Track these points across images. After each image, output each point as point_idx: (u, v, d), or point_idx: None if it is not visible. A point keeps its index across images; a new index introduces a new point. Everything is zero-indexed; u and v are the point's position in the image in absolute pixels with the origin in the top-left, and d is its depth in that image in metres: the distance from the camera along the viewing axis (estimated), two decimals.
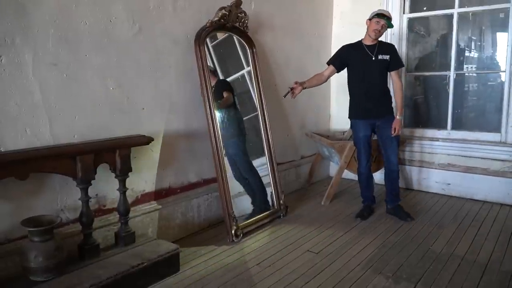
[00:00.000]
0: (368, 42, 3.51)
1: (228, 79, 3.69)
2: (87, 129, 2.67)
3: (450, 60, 4.40)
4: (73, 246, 2.58)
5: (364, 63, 3.50)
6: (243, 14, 3.53)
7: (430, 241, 3.23)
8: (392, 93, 3.70)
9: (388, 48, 3.59)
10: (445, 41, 4.62)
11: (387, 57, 3.50)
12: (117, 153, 2.63)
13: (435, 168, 4.45)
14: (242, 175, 3.52)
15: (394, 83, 3.63)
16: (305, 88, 3.53)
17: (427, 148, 4.49)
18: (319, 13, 4.91)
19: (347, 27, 4.91)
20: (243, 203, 3.59)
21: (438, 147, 4.41)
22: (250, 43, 3.72)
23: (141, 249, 2.71)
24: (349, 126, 4.64)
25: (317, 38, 4.90)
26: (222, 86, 3.48)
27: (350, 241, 3.24)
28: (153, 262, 2.58)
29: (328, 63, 3.69)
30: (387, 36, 4.52)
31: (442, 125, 4.51)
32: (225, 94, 3.45)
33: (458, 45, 4.38)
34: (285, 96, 3.51)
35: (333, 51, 5.02)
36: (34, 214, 2.40)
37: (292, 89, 3.46)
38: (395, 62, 3.58)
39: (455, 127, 4.43)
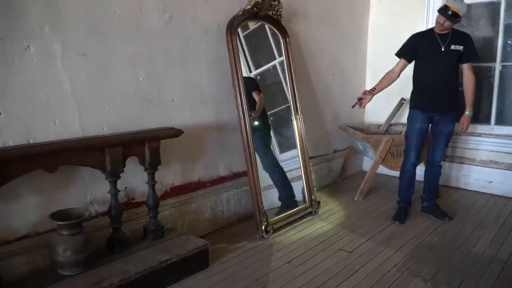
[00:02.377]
0: (440, 31, 3.25)
1: (259, 70, 3.57)
2: (116, 120, 2.62)
3: (496, 51, 4.13)
4: (102, 239, 2.55)
5: (435, 53, 3.25)
6: (276, 2, 3.39)
7: (471, 242, 3.04)
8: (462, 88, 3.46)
9: (463, 37, 3.30)
10: (489, 30, 4.33)
11: (460, 47, 3.24)
12: (146, 146, 2.57)
13: (476, 165, 4.21)
14: (264, 169, 3.38)
15: (466, 76, 3.36)
16: (375, 94, 3.36)
17: (469, 143, 4.25)
18: (355, 1, 4.70)
19: (385, 16, 4.68)
20: (272, 196, 3.50)
21: (481, 142, 4.17)
22: (283, 32, 3.58)
23: (170, 244, 2.66)
24: (384, 119, 4.52)
25: (353, 28, 4.71)
26: (251, 85, 3.33)
27: (384, 241, 3.10)
28: (182, 258, 2.53)
29: (398, 55, 3.42)
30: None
31: (485, 120, 4.25)
32: (256, 97, 3.31)
33: (504, 34, 4.09)
34: (353, 107, 3.38)
35: (370, 40, 4.90)
36: (63, 207, 2.38)
37: (360, 99, 3.31)
38: (469, 53, 3.30)
39: (499, 122, 4.17)
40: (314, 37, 4.13)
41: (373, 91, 3.33)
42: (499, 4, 4.06)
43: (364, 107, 3.40)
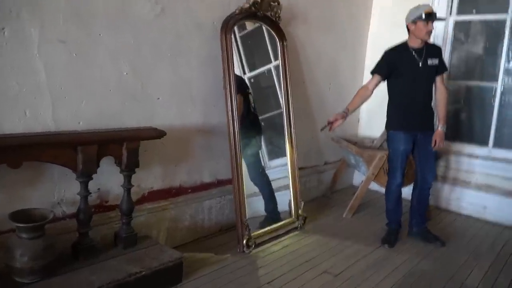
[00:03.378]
0: (416, 44, 3.08)
1: (253, 72, 3.38)
2: (95, 116, 2.41)
3: (498, 71, 3.99)
4: (68, 243, 2.33)
5: (412, 69, 3.08)
6: (276, 3, 3.21)
7: (464, 272, 2.87)
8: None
9: (436, 50, 3.16)
10: (491, 49, 4.19)
11: (436, 61, 3.09)
12: (124, 146, 2.36)
13: (471, 188, 4.05)
14: (250, 178, 3.19)
15: (438, 89, 3.21)
16: (347, 115, 3.16)
17: (464, 165, 4.10)
18: (356, 8, 4.53)
19: (386, 26, 4.53)
20: (258, 204, 3.31)
21: (477, 165, 4.02)
22: (281, 35, 3.40)
23: (142, 254, 2.44)
24: (379, 132, 4.34)
25: (353, 35, 4.54)
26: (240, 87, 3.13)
27: (373, 265, 2.91)
28: (153, 271, 2.31)
29: (373, 73, 3.22)
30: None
31: (483, 141, 4.09)
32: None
33: (507, 54, 3.96)
34: (322, 130, 3.16)
35: (369, 50, 4.74)
36: (28, 205, 2.17)
37: (330, 123, 3.10)
38: (442, 65, 3.17)
39: (497, 144, 4.02)
40: (313, 43, 3.96)
41: (345, 114, 3.13)
42: (504, 22, 3.92)
43: (332, 131, 3.19)
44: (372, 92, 3.21)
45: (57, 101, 2.23)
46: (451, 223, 3.85)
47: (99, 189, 2.52)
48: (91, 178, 2.27)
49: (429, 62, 3.07)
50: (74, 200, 2.37)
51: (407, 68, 3.09)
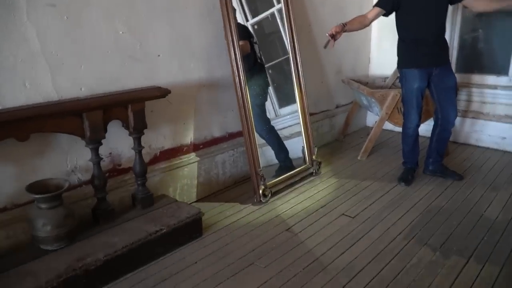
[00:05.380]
0: None
1: (256, 19, 3.25)
2: (96, 80, 2.36)
3: None
4: (87, 209, 2.38)
5: (421, 1, 2.90)
6: None
7: (483, 206, 2.85)
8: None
9: None
10: None
11: None
12: (130, 108, 2.32)
13: (490, 120, 3.95)
14: (256, 131, 3.13)
15: (479, 2, 2.94)
16: (346, 31, 2.88)
17: (484, 96, 3.96)
18: None
19: None
20: (271, 152, 3.30)
21: (496, 95, 3.88)
22: None
23: (160, 213, 2.49)
24: (391, 71, 4.21)
25: None
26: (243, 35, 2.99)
27: (390, 204, 2.92)
28: (172, 228, 2.36)
29: (376, 5, 3.02)
30: None
31: (502, 71, 3.92)
32: (240, 42, 2.94)
33: None
34: (325, 47, 2.85)
35: None
36: (41, 176, 2.19)
37: (332, 36, 2.78)
38: None
39: None
40: None
41: (344, 27, 2.84)
42: None
43: (333, 46, 2.87)
44: (370, 22, 3.03)
45: (55, 69, 2.18)
46: (469, 157, 3.80)
47: (110, 153, 2.52)
48: (101, 144, 2.26)
49: None
50: (87, 166, 2.38)
51: (415, 1, 2.91)
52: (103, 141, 2.29)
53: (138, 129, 2.38)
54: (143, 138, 2.48)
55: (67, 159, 2.33)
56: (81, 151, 2.33)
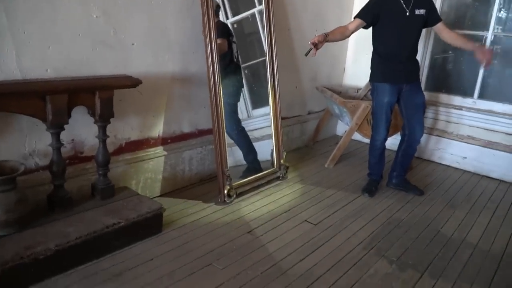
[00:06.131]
0: None
1: (236, 17, 3.22)
2: (63, 63, 2.27)
3: (490, 19, 3.87)
4: (43, 194, 2.28)
5: (399, 19, 2.95)
6: None
7: (440, 222, 2.92)
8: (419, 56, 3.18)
9: (425, 0, 3.01)
10: None
11: (423, 11, 2.95)
12: (97, 95, 2.25)
13: (453, 139, 4.06)
14: (226, 131, 3.10)
15: (443, 31, 3.04)
16: (328, 41, 2.85)
17: (449, 116, 4.07)
18: None
19: None
20: (241, 153, 3.29)
21: (460, 116, 4.00)
22: None
23: (120, 205, 2.41)
24: (364, 82, 4.27)
25: None
26: (218, 32, 2.93)
27: (352, 214, 2.94)
28: (131, 222, 2.29)
29: (356, 17, 3.03)
30: None
31: (467, 93, 4.05)
32: (218, 41, 2.90)
33: (500, 2, 3.82)
34: (307, 55, 2.81)
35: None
36: None
37: (314, 45, 2.74)
38: (435, 15, 3.03)
39: (482, 96, 3.98)
40: None
41: (326, 36, 2.81)
42: None
43: (316, 55, 2.83)
44: (351, 33, 3.04)
45: (20, 47, 2.08)
46: (431, 173, 3.90)
47: (73, 140, 2.43)
48: (63, 129, 2.18)
49: (417, 11, 2.94)
50: (47, 151, 2.28)
51: (393, 16, 2.96)
52: (66, 126, 2.20)
53: (104, 118, 2.31)
54: (109, 127, 2.40)
55: (26, 142, 2.23)
56: (41, 134, 2.24)
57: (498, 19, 3.87)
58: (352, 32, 3.04)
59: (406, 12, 2.92)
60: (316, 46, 2.73)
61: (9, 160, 2.09)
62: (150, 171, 2.87)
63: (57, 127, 2.13)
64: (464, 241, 2.69)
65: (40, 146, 2.28)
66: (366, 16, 2.99)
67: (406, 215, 2.98)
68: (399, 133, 3.50)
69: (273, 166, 3.44)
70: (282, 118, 3.60)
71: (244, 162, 3.30)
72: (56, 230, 2.09)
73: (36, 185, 2.28)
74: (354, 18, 3.05)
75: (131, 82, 2.37)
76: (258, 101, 3.45)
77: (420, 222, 2.90)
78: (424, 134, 4.05)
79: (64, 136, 2.27)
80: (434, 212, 3.07)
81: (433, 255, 2.50)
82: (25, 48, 2.10)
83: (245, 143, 3.30)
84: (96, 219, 2.23)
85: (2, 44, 2.02)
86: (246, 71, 3.35)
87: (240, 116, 3.26)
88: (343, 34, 3.00)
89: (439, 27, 3.06)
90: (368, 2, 3.03)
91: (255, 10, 3.35)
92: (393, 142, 3.69)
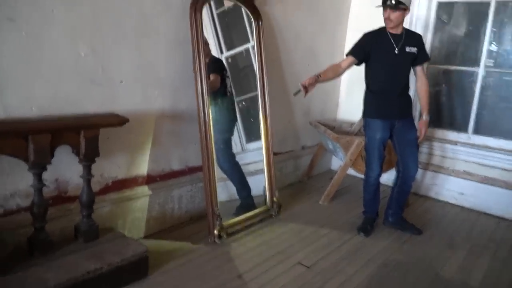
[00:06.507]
0: (394, 30, 2.94)
1: (231, 52, 3.21)
2: (49, 101, 2.21)
3: (480, 55, 3.89)
4: (24, 237, 2.18)
5: (390, 56, 2.95)
6: None
7: (439, 263, 2.81)
8: (412, 91, 3.19)
9: (416, 38, 3.04)
10: (474, 32, 4.08)
11: (414, 49, 2.97)
12: (82, 134, 2.18)
13: (449, 175, 3.99)
14: (219, 164, 3.06)
15: (419, 78, 3.11)
16: (319, 82, 2.83)
17: (444, 151, 4.02)
18: None
19: (367, 8, 4.33)
20: (233, 187, 3.23)
21: (456, 151, 3.95)
22: (256, 14, 3.22)
23: (104, 248, 2.30)
24: (358, 117, 4.23)
25: (333, 16, 4.37)
26: (210, 67, 2.91)
27: (347, 255, 2.83)
28: (115, 267, 2.18)
29: (348, 54, 3.04)
30: (411, 22, 4.02)
31: (462, 128, 4.02)
32: (211, 77, 2.90)
33: (491, 38, 3.85)
34: (295, 95, 2.79)
35: (350, 32, 4.58)
36: None
37: (305, 87, 2.71)
38: (423, 55, 3.05)
39: (477, 131, 3.95)
40: (290, 22, 3.78)
41: (318, 77, 2.80)
42: (488, 5, 3.80)
43: (306, 97, 2.85)
44: (344, 71, 3.03)
45: (5, 85, 2.03)
46: (428, 210, 3.81)
47: (57, 179, 2.34)
48: (45, 169, 2.10)
49: (407, 49, 2.94)
50: (29, 192, 2.19)
51: (383, 54, 2.96)
52: (50, 165, 2.13)
53: (89, 157, 2.24)
54: (95, 166, 2.33)
55: (7, 182, 2.15)
56: (24, 174, 2.15)
57: (490, 53, 3.89)
58: (345, 70, 3.03)
59: (395, 50, 2.92)
60: (306, 89, 2.70)
61: None
62: (137, 211, 2.77)
63: (39, 167, 2.06)
64: (465, 284, 2.58)
65: (22, 186, 2.19)
66: (358, 54, 2.99)
67: (404, 256, 2.88)
68: (394, 169, 3.44)
69: (265, 204, 3.35)
70: (275, 154, 3.55)
71: (236, 197, 3.22)
72: (34, 277, 1.97)
73: (16, 227, 2.18)
74: (346, 55, 3.04)
75: (118, 121, 2.31)
76: (252, 134, 3.41)
77: (418, 263, 2.79)
78: (420, 170, 4.01)
79: (47, 175, 2.20)
80: (433, 252, 2.96)
81: None
82: (11, 86, 2.05)
83: (239, 178, 3.24)
84: (78, 263, 2.12)
85: None
86: (240, 105, 3.32)
87: (234, 150, 3.21)
88: (335, 72, 2.99)
89: (417, 69, 3.09)
90: (360, 39, 3.03)
91: (249, 45, 3.36)
92: (388, 177, 3.62)
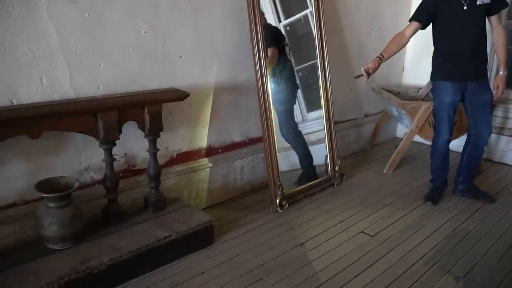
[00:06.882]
0: None
1: (289, 20, 3.14)
2: (114, 80, 2.32)
3: None
4: (98, 208, 2.35)
5: (458, 14, 2.71)
6: None
7: None
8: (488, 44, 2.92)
9: None
10: None
11: (487, 0, 2.71)
12: (146, 110, 2.27)
13: None
14: (282, 134, 3.05)
15: (495, 30, 2.83)
16: (382, 62, 2.79)
17: None
18: None
19: None
20: (295, 157, 3.22)
21: None
22: None
23: (172, 217, 2.43)
24: (425, 81, 4.01)
25: None
26: (267, 39, 2.83)
27: (413, 225, 2.75)
28: (182, 235, 2.30)
29: (412, 20, 2.87)
30: None
31: None
32: (269, 52, 2.85)
33: None
34: (356, 78, 2.78)
35: None
36: (53, 173, 2.17)
37: (367, 73, 2.70)
38: (498, 2, 2.74)
39: None
40: None
41: (380, 60, 2.77)
42: None
43: (366, 83, 2.84)
44: (409, 39, 2.87)
45: (73, 66, 2.16)
46: (503, 177, 3.57)
47: (126, 154, 2.48)
48: (115, 144, 2.22)
49: (479, 1, 2.68)
50: (101, 166, 2.34)
51: (450, 13, 2.73)
52: (118, 141, 2.24)
53: (153, 132, 2.33)
54: (159, 140, 2.43)
55: (81, 157, 2.31)
56: (96, 149, 2.29)
57: None
58: (410, 38, 2.87)
59: (464, 6, 2.68)
60: (368, 72, 2.67)
61: (64, 176, 2.16)
62: (201, 182, 2.87)
63: (108, 143, 2.18)
64: None
65: (95, 161, 2.35)
66: (421, 17, 2.82)
67: (474, 226, 2.74)
68: (465, 135, 3.24)
69: (327, 173, 3.32)
70: (337, 122, 3.48)
71: (300, 167, 3.22)
72: (110, 244, 2.13)
73: (91, 199, 2.35)
74: (410, 21, 2.87)
75: (179, 96, 2.37)
76: (313, 103, 3.35)
77: (491, 233, 2.65)
78: (494, 134, 3.76)
79: (117, 150, 2.33)
80: (507, 222, 2.79)
81: (506, 271, 2.27)
82: (77, 67, 2.17)
83: (302, 147, 3.23)
84: (148, 232, 2.26)
85: (55, 65, 2.10)
86: (300, 74, 3.27)
87: (296, 119, 3.19)
88: (399, 43, 2.86)
89: (492, 19, 2.80)
90: (422, 1, 2.84)
91: (307, 11, 3.26)
92: (459, 144, 3.42)
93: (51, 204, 2.01)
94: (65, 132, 2.17)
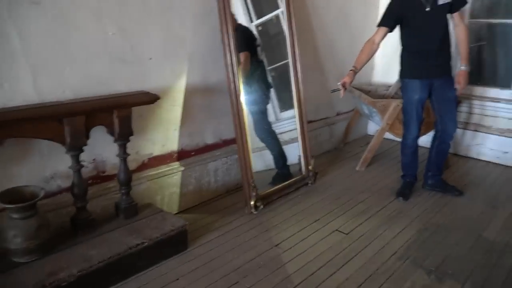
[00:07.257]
0: None
1: (261, 20, 3.13)
2: (81, 83, 2.24)
3: None
4: (66, 217, 2.26)
5: (421, 15, 2.78)
6: None
7: (481, 225, 2.73)
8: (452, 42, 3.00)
9: None
10: None
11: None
12: (115, 114, 2.21)
13: (492, 133, 3.82)
14: (257, 134, 3.06)
15: (457, 27, 2.91)
16: (356, 73, 2.87)
17: (485, 109, 3.83)
18: None
19: None
20: (270, 157, 3.23)
21: (497, 109, 3.76)
22: None
23: (144, 224, 2.37)
24: (395, 79, 4.07)
25: None
26: (239, 44, 2.82)
27: (385, 221, 2.79)
28: (155, 242, 2.24)
29: (379, 25, 2.93)
30: None
31: (504, 84, 3.80)
32: (241, 57, 2.83)
33: None
34: (333, 92, 2.86)
35: None
36: (19, 183, 2.08)
37: (343, 85, 2.78)
38: (458, 0, 2.83)
39: None
40: None
41: (355, 72, 2.85)
42: None
43: (343, 96, 2.88)
44: (379, 45, 2.94)
45: (36, 70, 2.07)
46: (469, 171, 3.68)
47: (94, 159, 2.41)
48: (82, 151, 2.15)
49: (440, 1, 2.75)
50: (68, 173, 2.25)
51: (414, 15, 2.81)
52: (86, 146, 2.17)
53: (123, 136, 2.27)
54: (130, 144, 2.37)
55: (47, 165, 2.22)
56: (62, 156, 2.20)
57: None
58: (379, 44, 2.93)
59: (426, 7, 2.76)
60: (344, 86, 2.75)
61: (29, 185, 2.07)
62: (174, 186, 2.82)
63: (76, 149, 2.10)
64: (508, 244, 2.49)
65: (62, 168, 2.26)
66: (388, 22, 2.89)
67: (444, 219, 2.81)
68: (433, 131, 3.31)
69: (301, 173, 3.33)
70: (310, 121, 3.50)
71: (271, 166, 3.22)
72: (79, 254, 2.06)
73: (59, 207, 2.26)
74: (377, 27, 2.94)
75: (149, 98, 2.32)
76: (286, 103, 3.36)
77: (460, 226, 2.72)
78: (460, 129, 3.87)
79: (85, 156, 2.25)
80: (475, 214, 2.88)
81: (475, 262, 2.33)
82: (41, 70, 2.08)
83: (276, 147, 3.24)
84: (120, 240, 2.19)
85: (17, 68, 2.01)
86: (273, 73, 3.27)
87: (269, 119, 3.19)
88: (370, 52, 2.94)
89: (454, 16, 2.88)
90: (387, 6, 2.92)
91: (279, 11, 3.26)
92: (427, 139, 3.49)
93: (15, 215, 1.93)
94: (29, 140, 2.09)
